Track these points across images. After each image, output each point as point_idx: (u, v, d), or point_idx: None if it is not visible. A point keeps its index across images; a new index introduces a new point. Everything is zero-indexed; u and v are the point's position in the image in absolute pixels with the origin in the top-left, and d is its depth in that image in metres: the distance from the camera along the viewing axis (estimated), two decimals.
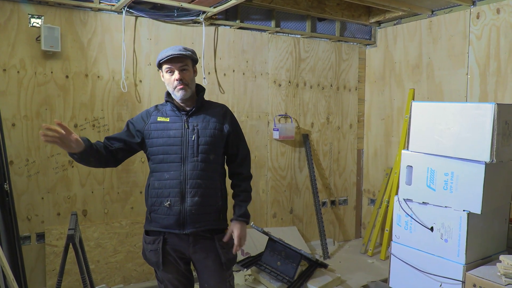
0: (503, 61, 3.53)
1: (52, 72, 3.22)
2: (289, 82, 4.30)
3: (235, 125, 2.16)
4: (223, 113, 2.13)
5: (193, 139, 2.00)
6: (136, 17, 3.50)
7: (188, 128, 2.02)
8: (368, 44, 4.74)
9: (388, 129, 4.59)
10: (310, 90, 4.43)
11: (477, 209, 1.99)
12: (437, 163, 2.13)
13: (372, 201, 4.78)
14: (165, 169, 2.00)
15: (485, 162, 1.94)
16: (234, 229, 2.05)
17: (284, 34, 4.24)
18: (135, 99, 3.55)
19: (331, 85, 4.57)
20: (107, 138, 2.09)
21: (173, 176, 1.99)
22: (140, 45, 3.54)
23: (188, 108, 2.07)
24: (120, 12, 3.40)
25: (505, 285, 1.87)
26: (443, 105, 2.11)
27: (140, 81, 3.57)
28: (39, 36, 3.10)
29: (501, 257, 1.98)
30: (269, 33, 4.13)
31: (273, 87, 4.20)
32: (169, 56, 1.97)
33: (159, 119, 2.05)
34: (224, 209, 2.11)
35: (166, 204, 1.97)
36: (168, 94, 2.10)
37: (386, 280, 2.76)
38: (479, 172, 1.96)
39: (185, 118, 2.04)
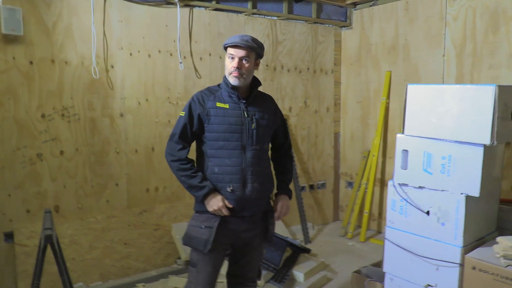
0: (479, 43, 3.57)
1: (14, 58, 2.95)
2: (267, 65, 4.19)
3: (282, 116, 2.33)
4: (274, 105, 2.27)
5: (253, 127, 2.09)
6: None
7: (247, 117, 2.10)
8: (344, 26, 4.69)
9: (365, 112, 4.59)
10: (287, 73, 4.34)
11: (475, 192, 1.98)
12: (434, 147, 2.10)
13: (350, 184, 4.80)
14: (226, 156, 2.07)
15: (484, 144, 1.93)
16: (281, 200, 2.25)
17: (261, 16, 4.10)
18: (107, 86, 3.33)
19: (308, 68, 4.50)
20: (183, 140, 2.12)
21: (235, 163, 2.06)
22: (111, 28, 3.30)
23: (243, 96, 2.13)
24: None
25: (505, 267, 1.89)
26: (441, 87, 2.07)
27: (112, 66, 3.34)
28: None
29: (498, 239, 2.00)
30: (246, 15, 3.98)
31: None
32: (234, 43, 2.04)
33: (218, 104, 2.09)
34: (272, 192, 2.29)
35: (229, 189, 2.05)
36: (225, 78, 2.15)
37: (376, 264, 2.76)
38: (478, 155, 1.95)
39: (243, 106, 2.10)
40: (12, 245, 3.04)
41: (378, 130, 4.30)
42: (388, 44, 4.28)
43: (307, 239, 4.31)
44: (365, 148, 4.59)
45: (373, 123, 4.49)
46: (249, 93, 2.16)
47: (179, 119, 2.14)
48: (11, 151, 3.00)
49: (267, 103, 2.24)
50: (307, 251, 3.71)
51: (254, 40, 2.08)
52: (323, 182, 4.78)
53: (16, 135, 3.01)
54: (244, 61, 2.05)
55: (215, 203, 2.04)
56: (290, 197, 2.29)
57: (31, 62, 3.01)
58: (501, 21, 3.40)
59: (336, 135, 4.85)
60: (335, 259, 3.87)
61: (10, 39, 2.90)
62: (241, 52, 2.04)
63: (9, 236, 3.04)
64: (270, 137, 2.25)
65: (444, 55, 3.82)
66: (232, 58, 2.06)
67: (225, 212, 2.05)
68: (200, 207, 2.13)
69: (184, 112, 2.12)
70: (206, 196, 2.05)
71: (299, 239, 4.30)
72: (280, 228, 4.16)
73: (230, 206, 2.06)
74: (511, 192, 3.42)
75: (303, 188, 4.59)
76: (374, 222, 4.53)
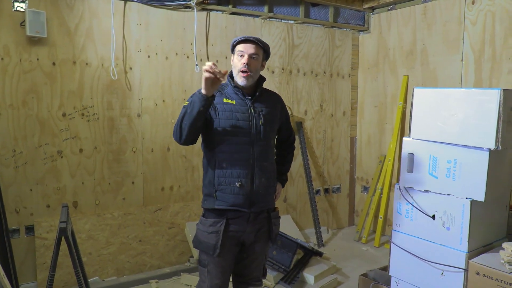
0: (498, 47, 3.50)
1: (38, 59, 3.09)
2: (283, 69, 4.23)
3: (286, 112, 2.36)
4: (279, 101, 2.29)
5: (260, 123, 2.10)
6: (125, 1, 3.37)
7: (254, 113, 2.10)
8: (362, 30, 4.68)
9: (382, 116, 4.56)
10: (303, 77, 4.37)
11: (480, 196, 1.96)
12: (439, 151, 2.09)
13: (365, 189, 4.77)
14: (235, 151, 2.07)
15: (490, 149, 1.91)
16: (278, 187, 2.34)
17: (277, 20, 4.15)
18: (126, 87, 3.44)
19: (325, 72, 4.51)
20: None
21: (243, 158, 2.07)
22: (130, 31, 3.42)
23: (249, 93, 2.14)
24: None
25: (509, 273, 1.86)
26: (447, 91, 2.06)
27: (130, 68, 3.45)
28: (24, 21, 2.96)
29: (504, 245, 1.97)
30: (262, 18, 4.04)
31: (266, 74, 4.11)
32: (245, 37, 2.06)
33: (225, 100, 2.09)
34: None
35: (237, 184, 2.06)
36: (231, 76, 2.15)
37: (384, 268, 2.74)
38: (483, 159, 1.93)
39: (249, 103, 2.11)
40: (32, 238, 3.17)
41: (394, 135, 4.26)
42: (406, 49, 4.25)
43: (321, 243, 4.30)
44: (381, 152, 4.56)
45: (389, 128, 4.46)
46: (255, 89, 2.16)
47: (184, 108, 2.00)
48: (33, 148, 3.14)
49: (273, 99, 2.25)
50: (319, 254, 3.71)
51: (261, 40, 2.10)
52: (338, 186, 4.77)
53: (39, 133, 3.15)
54: (253, 58, 2.05)
55: (203, 77, 1.84)
56: (283, 186, 2.41)
57: (53, 63, 3.15)
58: None
59: (353, 139, 4.83)
60: (347, 263, 3.86)
61: (35, 41, 3.05)
62: (251, 49, 2.04)
63: (30, 230, 3.17)
64: (276, 132, 2.28)
65: (462, 60, 3.76)
66: (241, 55, 2.05)
67: (216, 70, 1.83)
68: (209, 204, 2.12)
69: (188, 102, 1.99)
70: (199, 93, 1.90)
71: (312, 242, 4.30)
72: (293, 231, 4.17)
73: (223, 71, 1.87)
74: None
75: (317, 191, 4.59)
76: (389, 227, 4.48)
